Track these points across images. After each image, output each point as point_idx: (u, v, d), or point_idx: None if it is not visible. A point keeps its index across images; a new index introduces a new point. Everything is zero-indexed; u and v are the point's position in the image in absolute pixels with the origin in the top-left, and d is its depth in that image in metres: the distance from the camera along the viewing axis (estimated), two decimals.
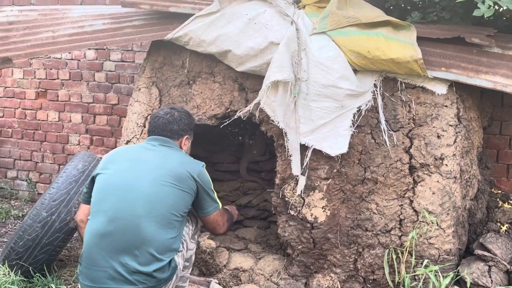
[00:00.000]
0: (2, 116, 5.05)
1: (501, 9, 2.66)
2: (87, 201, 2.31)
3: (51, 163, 4.91)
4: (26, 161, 5.00)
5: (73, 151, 4.81)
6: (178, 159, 2.35)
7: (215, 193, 2.42)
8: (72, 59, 4.77)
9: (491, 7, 2.50)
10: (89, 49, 4.62)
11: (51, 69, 4.85)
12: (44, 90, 4.90)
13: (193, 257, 2.56)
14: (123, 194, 2.18)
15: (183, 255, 2.33)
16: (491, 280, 2.65)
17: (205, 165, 2.40)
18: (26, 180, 4.99)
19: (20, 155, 5.01)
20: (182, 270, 2.37)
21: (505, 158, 3.56)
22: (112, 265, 2.07)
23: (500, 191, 3.49)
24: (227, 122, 2.94)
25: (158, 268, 2.10)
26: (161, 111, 2.52)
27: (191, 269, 2.55)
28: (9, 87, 5.02)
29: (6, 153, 5.06)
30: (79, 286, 2.22)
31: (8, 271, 2.82)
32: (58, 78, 4.84)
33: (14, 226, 4.19)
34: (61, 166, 4.85)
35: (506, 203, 3.30)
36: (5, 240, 3.83)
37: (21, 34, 3.49)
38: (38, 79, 4.90)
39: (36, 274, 2.90)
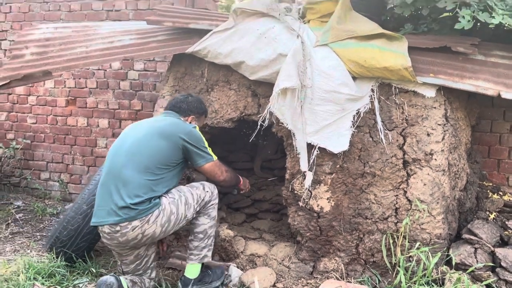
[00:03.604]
0: (35, 123, 5.50)
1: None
2: None
3: (81, 165, 5.34)
4: (57, 163, 5.43)
5: (101, 153, 5.22)
6: (170, 121, 2.93)
7: (209, 149, 2.94)
8: (99, 69, 5.19)
9: (470, 21, 2.86)
10: None
11: (79, 78, 5.28)
12: (73, 98, 5.33)
13: (209, 232, 3.01)
14: (116, 151, 2.85)
15: (177, 204, 2.81)
16: (477, 260, 2.99)
17: (197, 127, 2.95)
18: (58, 181, 5.41)
19: (52, 158, 5.45)
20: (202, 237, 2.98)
21: (496, 153, 3.88)
22: (108, 204, 2.69)
23: (491, 184, 3.82)
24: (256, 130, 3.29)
25: (137, 202, 2.66)
26: (180, 94, 3.18)
27: (206, 241, 3.00)
28: (41, 96, 5.46)
29: (39, 157, 5.51)
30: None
31: (54, 257, 3.24)
32: (86, 87, 5.27)
33: (51, 222, 4.62)
34: (90, 168, 5.28)
35: (495, 194, 3.64)
36: (44, 234, 4.26)
37: (58, 49, 3.92)
38: (68, 88, 5.34)
39: (78, 260, 3.32)
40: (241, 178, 3.31)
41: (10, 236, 4.10)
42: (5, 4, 5.54)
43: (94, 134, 5.26)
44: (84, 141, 5.30)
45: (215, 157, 2.97)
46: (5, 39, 5.60)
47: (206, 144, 2.94)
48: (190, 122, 3.06)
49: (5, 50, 5.58)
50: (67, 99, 5.36)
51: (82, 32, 4.11)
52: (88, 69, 5.19)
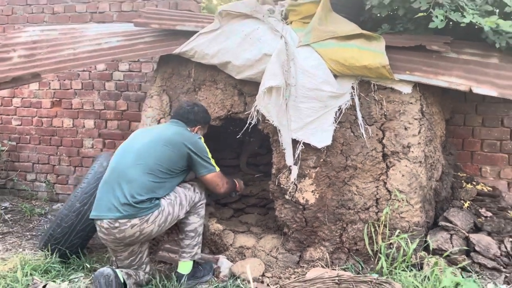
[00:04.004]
0: (21, 124, 5.54)
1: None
2: None
3: (67, 166, 5.40)
4: (44, 164, 5.49)
5: (87, 154, 5.30)
6: (177, 131, 3.09)
7: (212, 160, 3.10)
8: (84, 70, 5.26)
9: (443, 21, 3.05)
10: None
11: (64, 80, 5.35)
12: (58, 99, 5.39)
13: (199, 230, 3.18)
14: (123, 152, 3.01)
15: (173, 205, 2.95)
16: (452, 246, 3.19)
17: (202, 138, 3.12)
18: (44, 182, 5.47)
19: (38, 159, 5.50)
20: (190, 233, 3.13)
21: (469, 146, 4.10)
22: (110, 200, 2.81)
23: (465, 174, 4.03)
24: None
25: (139, 201, 2.79)
26: (185, 103, 3.29)
27: (197, 239, 3.17)
28: (26, 98, 5.51)
29: (25, 158, 5.55)
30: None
31: (49, 254, 3.34)
32: (71, 88, 5.34)
33: (40, 222, 4.69)
34: (76, 168, 5.35)
35: (469, 184, 3.86)
36: (34, 233, 4.33)
37: (46, 52, 3.99)
38: (53, 89, 5.40)
39: (72, 256, 3.41)
40: (236, 182, 3.45)
41: (0, 236, 4.16)
42: None
43: (80, 134, 5.33)
44: (70, 142, 5.37)
45: (217, 169, 3.13)
46: None
47: (210, 155, 3.10)
48: (196, 132, 3.23)
49: None
50: (52, 101, 5.41)
51: (69, 34, 4.19)
52: (72, 70, 5.25)
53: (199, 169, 3.07)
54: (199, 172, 3.07)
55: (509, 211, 3.69)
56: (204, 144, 3.10)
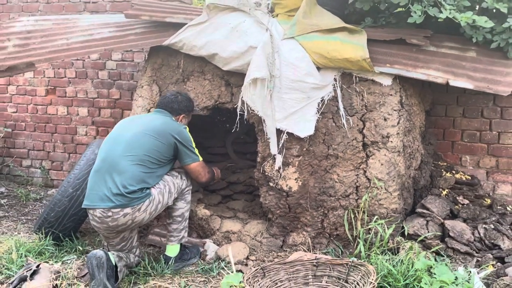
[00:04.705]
0: (16, 112, 5.66)
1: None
2: None
3: (62, 152, 5.53)
4: (39, 151, 5.62)
5: (81, 141, 5.43)
6: (163, 121, 3.23)
7: (196, 149, 3.23)
8: (77, 59, 5.36)
9: (421, 16, 3.17)
10: None
11: (58, 68, 5.45)
12: (53, 87, 5.51)
13: (186, 215, 3.34)
14: (113, 141, 3.11)
15: (163, 193, 3.09)
16: (428, 231, 3.34)
17: (187, 128, 3.26)
18: (39, 168, 5.61)
19: (34, 145, 5.63)
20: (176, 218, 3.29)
21: (450, 136, 4.24)
22: (102, 190, 2.93)
23: (445, 163, 4.19)
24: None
25: (131, 191, 2.92)
26: (169, 93, 3.43)
27: (183, 224, 3.34)
28: (21, 86, 5.62)
29: (20, 145, 5.68)
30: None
31: (43, 237, 3.48)
32: (65, 77, 5.45)
33: (35, 207, 4.83)
34: (71, 155, 5.48)
35: (449, 173, 4.00)
36: (29, 217, 4.48)
37: (39, 42, 4.11)
38: (48, 77, 5.51)
39: (65, 239, 3.56)
40: (214, 170, 3.58)
41: None
42: None
43: (74, 122, 5.45)
44: (65, 129, 5.49)
45: (200, 158, 3.27)
46: None
47: (194, 145, 3.24)
48: (180, 120, 3.38)
49: None
50: (46, 89, 5.53)
51: (62, 24, 4.30)
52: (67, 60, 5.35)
53: (183, 158, 3.21)
54: (184, 161, 3.22)
55: (485, 198, 3.85)
56: (189, 134, 3.23)
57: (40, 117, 5.57)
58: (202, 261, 3.43)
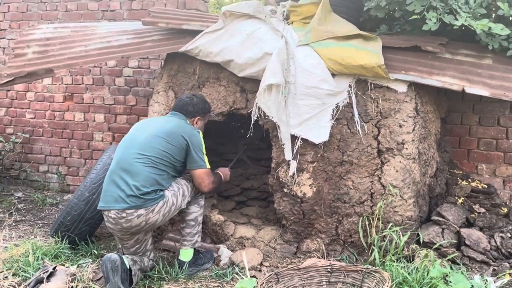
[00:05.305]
0: (34, 118, 5.75)
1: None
2: None
3: (78, 158, 5.60)
4: (55, 156, 5.70)
5: (97, 147, 5.50)
6: (177, 124, 3.24)
7: (205, 156, 3.22)
8: (95, 66, 5.45)
9: (436, 23, 3.17)
10: None
11: (76, 75, 5.54)
12: (70, 94, 5.59)
13: (199, 219, 3.36)
14: (127, 145, 3.14)
15: (176, 195, 3.11)
16: (443, 239, 3.31)
17: (201, 133, 3.26)
18: (56, 173, 5.68)
19: (51, 151, 5.71)
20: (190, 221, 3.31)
21: (466, 144, 4.21)
22: (116, 191, 2.97)
23: (461, 172, 4.15)
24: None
25: (144, 193, 2.95)
26: (185, 95, 3.45)
27: (197, 228, 3.35)
28: (39, 92, 5.72)
29: (38, 150, 5.76)
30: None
31: (59, 240, 3.52)
32: (83, 83, 5.53)
33: (51, 211, 4.89)
34: (87, 160, 5.55)
35: (465, 181, 3.97)
36: (45, 222, 4.53)
37: (58, 48, 4.18)
38: (65, 84, 5.60)
39: (81, 243, 3.60)
40: (222, 175, 3.52)
41: (14, 224, 4.37)
42: (3, 3, 5.78)
43: (90, 128, 5.52)
44: (81, 135, 5.56)
45: (208, 166, 3.24)
46: (4, 38, 5.83)
47: (204, 151, 3.23)
48: (196, 122, 3.39)
49: (4, 48, 5.82)
50: (64, 95, 5.61)
51: (81, 32, 4.37)
52: (85, 66, 5.44)
53: (190, 162, 3.19)
54: (190, 164, 3.20)
55: (502, 207, 3.81)
56: (202, 139, 3.24)
57: (57, 123, 5.66)
58: (216, 266, 3.44)
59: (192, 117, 3.38)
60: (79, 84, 5.55)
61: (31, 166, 5.77)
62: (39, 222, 4.51)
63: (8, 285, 2.94)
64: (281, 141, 3.48)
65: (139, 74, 5.32)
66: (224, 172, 3.60)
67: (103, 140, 5.48)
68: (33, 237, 3.98)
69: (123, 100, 5.39)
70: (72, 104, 5.59)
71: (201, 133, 3.29)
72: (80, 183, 5.32)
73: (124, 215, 2.94)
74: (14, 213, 4.70)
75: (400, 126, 3.36)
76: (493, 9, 3.40)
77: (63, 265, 3.12)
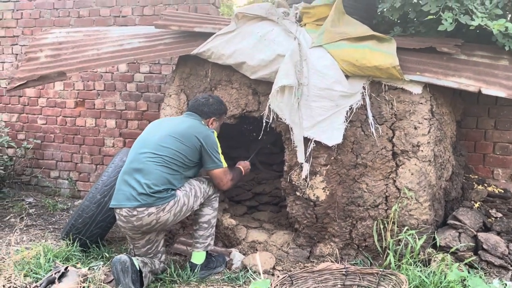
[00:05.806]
0: (46, 123, 5.76)
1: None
2: None
3: (89, 164, 5.59)
4: (67, 162, 5.69)
5: (108, 152, 5.49)
6: (191, 124, 3.22)
7: (221, 156, 3.20)
8: (106, 72, 5.46)
9: (452, 23, 3.13)
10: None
11: (88, 81, 5.55)
12: (82, 99, 5.60)
13: (212, 222, 3.32)
14: (140, 145, 3.14)
15: (188, 196, 3.09)
16: (460, 243, 3.24)
17: (215, 133, 3.24)
18: (67, 179, 5.67)
19: (62, 157, 5.70)
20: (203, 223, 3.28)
21: (481, 148, 4.14)
22: (128, 190, 2.96)
23: (477, 176, 4.08)
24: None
25: (156, 191, 2.93)
26: (200, 96, 3.44)
27: (210, 230, 3.32)
28: (51, 98, 5.73)
29: (49, 156, 5.77)
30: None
31: (70, 243, 3.50)
32: (94, 89, 5.54)
33: (62, 216, 4.87)
34: (98, 166, 5.54)
35: (481, 185, 3.90)
36: (56, 226, 4.51)
37: (71, 52, 4.19)
38: (77, 90, 5.61)
39: (92, 245, 3.57)
40: (242, 169, 3.53)
41: (25, 228, 4.35)
42: (17, 10, 5.82)
43: (101, 134, 5.52)
44: (92, 140, 5.56)
45: (225, 165, 3.23)
46: (16, 44, 5.86)
47: (220, 151, 3.21)
48: (211, 123, 3.36)
49: (17, 54, 5.85)
50: (75, 101, 5.62)
51: (93, 36, 4.38)
52: (96, 71, 5.46)
53: (206, 163, 3.18)
54: (207, 165, 3.18)
55: None
56: (216, 139, 3.21)
57: (68, 128, 5.66)
58: (228, 270, 3.39)
59: (207, 118, 3.35)
60: (91, 90, 5.55)
61: (42, 171, 5.77)
62: (50, 226, 4.49)
63: (19, 286, 2.92)
64: (293, 143, 3.45)
65: (151, 80, 5.32)
66: (245, 166, 3.59)
67: (114, 145, 5.47)
68: (44, 240, 3.95)
69: (134, 105, 5.39)
70: (84, 109, 5.60)
71: (215, 133, 3.26)
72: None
73: (135, 213, 2.91)
74: (25, 217, 4.69)
75: (415, 128, 3.31)
76: (509, 10, 3.35)
77: (75, 266, 3.09)
